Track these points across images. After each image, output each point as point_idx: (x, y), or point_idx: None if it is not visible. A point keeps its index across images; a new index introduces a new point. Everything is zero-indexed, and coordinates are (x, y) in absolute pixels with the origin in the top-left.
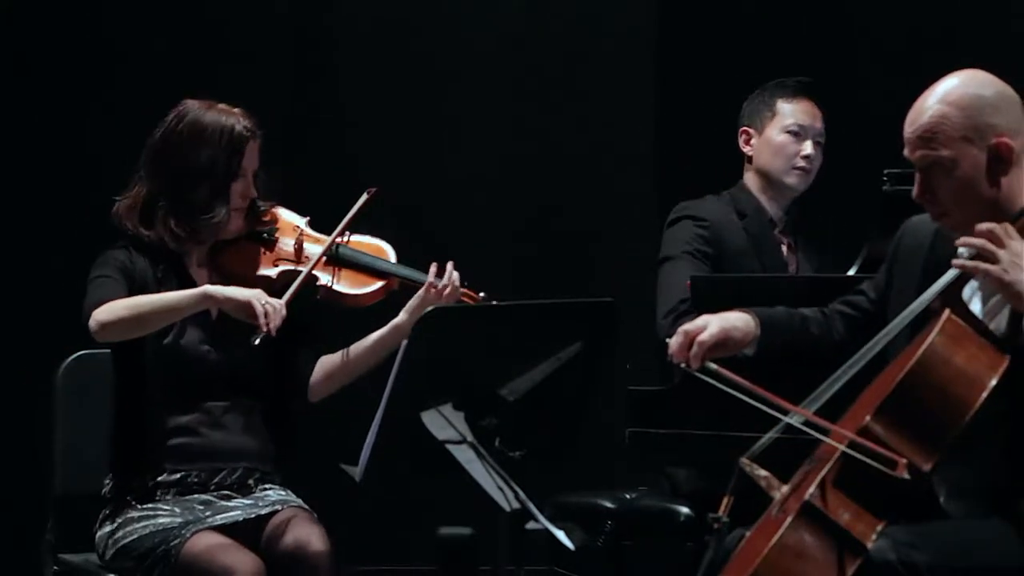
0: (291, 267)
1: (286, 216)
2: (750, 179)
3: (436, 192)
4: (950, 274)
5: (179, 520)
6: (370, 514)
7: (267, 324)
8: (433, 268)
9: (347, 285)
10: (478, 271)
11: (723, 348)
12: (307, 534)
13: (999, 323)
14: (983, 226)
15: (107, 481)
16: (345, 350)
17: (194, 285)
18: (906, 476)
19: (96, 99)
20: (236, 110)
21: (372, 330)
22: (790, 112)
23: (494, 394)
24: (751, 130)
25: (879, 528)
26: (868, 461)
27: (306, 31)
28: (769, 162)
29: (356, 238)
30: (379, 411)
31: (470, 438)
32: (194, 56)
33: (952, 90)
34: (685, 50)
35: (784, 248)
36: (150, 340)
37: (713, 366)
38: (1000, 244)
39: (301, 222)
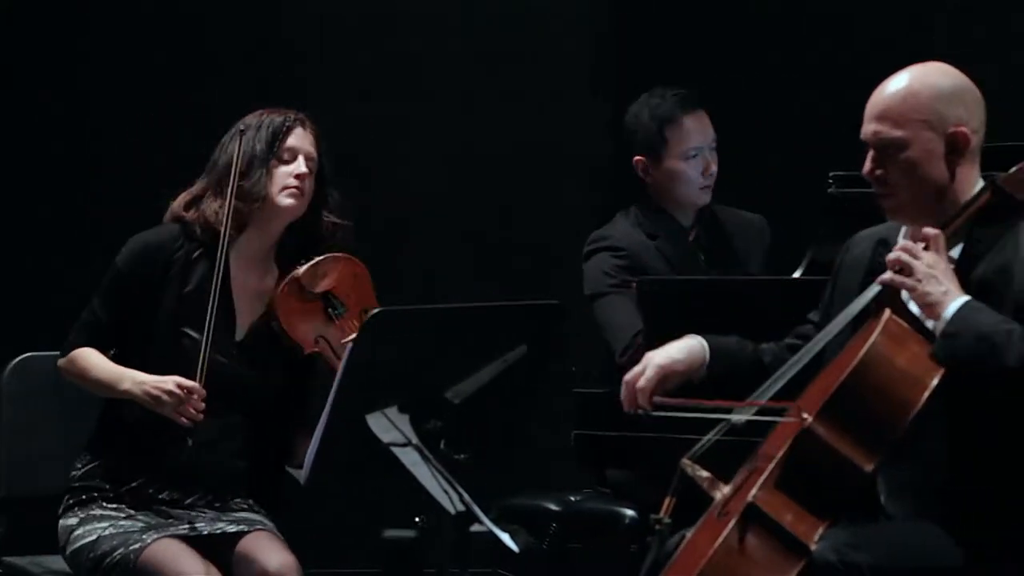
0: (326, 352)
1: (357, 303)
2: (655, 197)
3: (387, 197)
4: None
5: (140, 524)
6: (315, 517)
7: (190, 419)
8: None
9: None
10: (428, 276)
11: (666, 383)
12: (284, 563)
13: (939, 325)
14: (901, 243)
15: (79, 465)
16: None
17: (227, 272)
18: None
19: (60, 99)
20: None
21: None
22: (684, 135)
23: (439, 396)
24: (646, 160)
25: (821, 529)
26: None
27: (261, 41)
28: (674, 189)
29: None
30: (324, 414)
31: (415, 440)
32: (173, 65)
33: (920, 75)
34: (639, 57)
35: (702, 260)
36: (152, 352)
37: (661, 400)
38: (914, 256)
39: (370, 311)
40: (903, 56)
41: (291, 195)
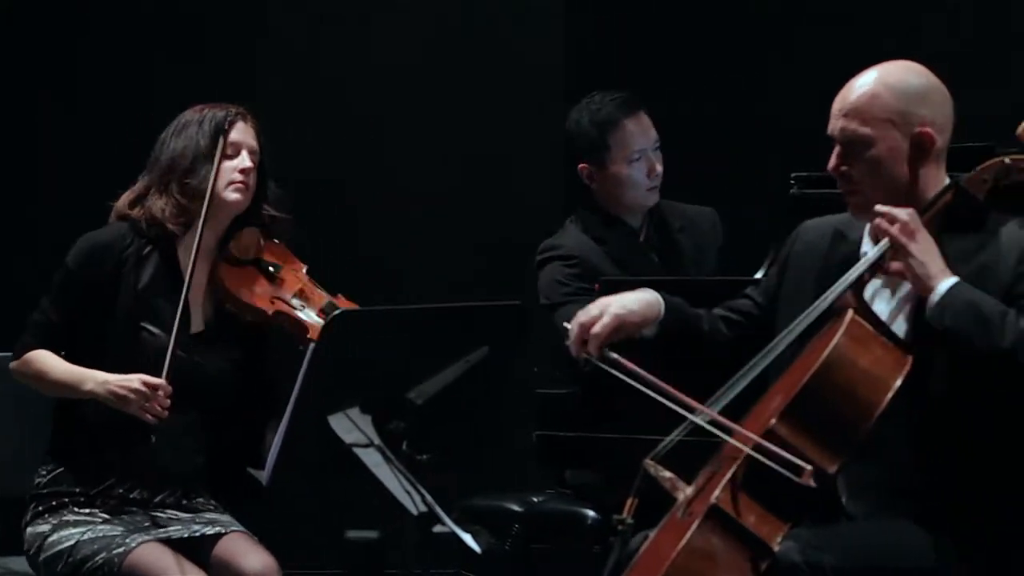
0: (287, 310)
1: (290, 258)
2: (602, 203)
3: (357, 199)
4: (856, 270)
5: (120, 529)
6: (277, 517)
7: (156, 416)
8: None
9: None
10: (389, 276)
11: (620, 333)
12: (265, 564)
13: (900, 324)
14: (906, 211)
15: (43, 472)
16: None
17: (177, 275)
18: (812, 484)
19: (4, 98)
20: (225, 104)
21: None
22: (626, 139)
23: (402, 397)
24: (590, 167)
25: (784, 530)
26: (773, 466)
27: (224, 42)
28: (622, 194)
29: (344, 299)
30: (286, 415)
31: (377, 441)
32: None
33: (888, 73)
34: (596, 57)
35: (655, 260)
36: (109, 350)
37: (613, 355)
38: (912, 234)
39: (302, 269)
40: (868, 55)
41: (237, 190)
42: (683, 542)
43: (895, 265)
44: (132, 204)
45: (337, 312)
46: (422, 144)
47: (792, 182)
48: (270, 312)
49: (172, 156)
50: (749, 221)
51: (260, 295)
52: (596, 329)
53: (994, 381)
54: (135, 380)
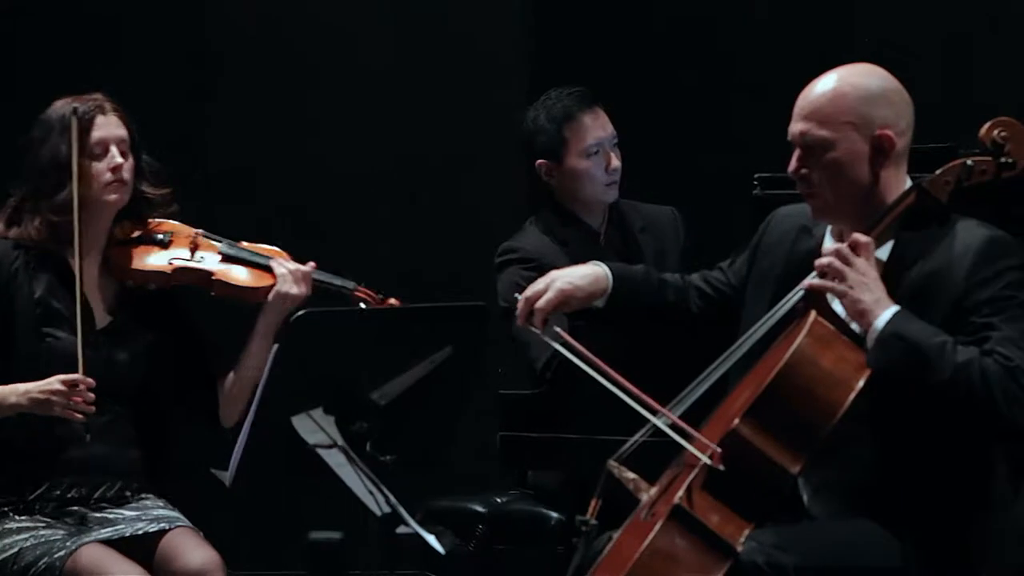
0: (186, 264)
1: (180, 227)
2: (561, 201)
3: (310, 193)
4: (808, 281)
5: (62, 532)
6: (240, 518)
7: (83, 412)
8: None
9: (242, 279)
10: (354, 278)
11: (565, 307)
12: (207, 559)
13: (870, 335)
14: (833, 247)
15: None
16: (235, 368)
17: (71, 279)
18: (721, 467)
19: None
20: (85, 96)
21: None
22: (583, 132)
23: (365, 398)
24: (548, 163)
25: (747, 530)
26: (684, 444)
27: (183, 33)
28: (579, 188)
29: (250, 244)
30: (250, 415)
31: (341, 442)
32: (77, 59)
33: (848, 76)
34: (560, 54)
35: (615, 259)
36: (18, 352)
37: (557, 330)
38: (847, 263)
39: (195, 231)
40: (830, 57)
41: (114, 190)
42: (646, 543)
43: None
44: (8, 224)
45: (300, 313)
46: (384, 144)
47: (755, 183)
48: (170, 272)
49: (38, 170)
50: (712, 222)
51: (155, 261)
52: (540, 303)
53: None
54: (54, 382)
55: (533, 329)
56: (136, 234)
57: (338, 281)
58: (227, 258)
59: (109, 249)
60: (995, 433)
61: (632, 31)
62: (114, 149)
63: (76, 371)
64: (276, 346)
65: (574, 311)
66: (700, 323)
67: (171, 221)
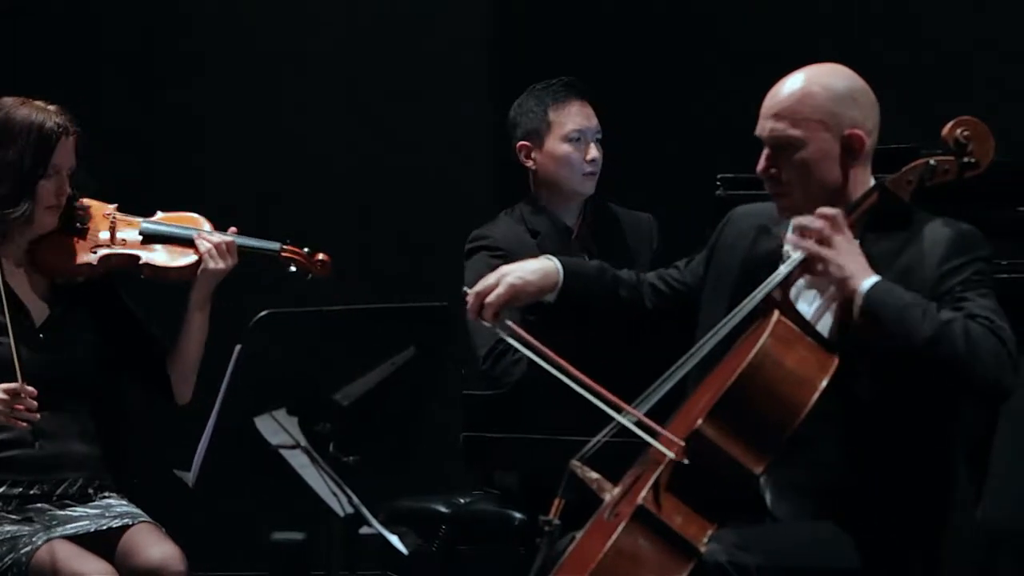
0: (110, 251)
1: (95, 205)
2: (539, 191)
3: (274, 193)
4: (781, 272)
5: (27, 529)
6: (202, 519)
7: (27, 420)
8: (207, 226)
9: (169, 259)
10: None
11: (516, 301)
12: (167, 554)
13: (826, 324)
14: (825, 210)
15: None
16: (176, 344)
17: (6, 284)
18: (685, 461)
19: None
20: (51, 107)
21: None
22: (566, 119)
23: (328, 398)
24: (529, 144)
25: (711, 531)
26: (648, 439)
27: (152, 28)
28: (556, 173)
29: (168, 214)
30: (212, 416)
31: (304, 443)
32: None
33: (817, 75)
34: (522, 54)
35: (585, 257)
36: None
37: (509, 323)
38: (838, 230)
39: (110, 208)
40: (794, 58)
41: (52, 213)
42: (609, 543)
43: (817, 269)
44: None
45: (263, 313)
46: (349, 143)
47: (718, 184)
48: (96, 263)
49: None
50: (674, 223)
51: (79, 253)
52: (490, 298)
53: (918, 383)
54: None
55: (485, 323)
56: (52, 227)
57: (263, 244)
58: (149, 237)
59: (34, 246)
60: (973, 395)
61: (597, 27)
62: (64, 175)
63: (17, 376)
64: (239, 346)
65: (526, 305)
66: (653, 320)
67: (83, 200)
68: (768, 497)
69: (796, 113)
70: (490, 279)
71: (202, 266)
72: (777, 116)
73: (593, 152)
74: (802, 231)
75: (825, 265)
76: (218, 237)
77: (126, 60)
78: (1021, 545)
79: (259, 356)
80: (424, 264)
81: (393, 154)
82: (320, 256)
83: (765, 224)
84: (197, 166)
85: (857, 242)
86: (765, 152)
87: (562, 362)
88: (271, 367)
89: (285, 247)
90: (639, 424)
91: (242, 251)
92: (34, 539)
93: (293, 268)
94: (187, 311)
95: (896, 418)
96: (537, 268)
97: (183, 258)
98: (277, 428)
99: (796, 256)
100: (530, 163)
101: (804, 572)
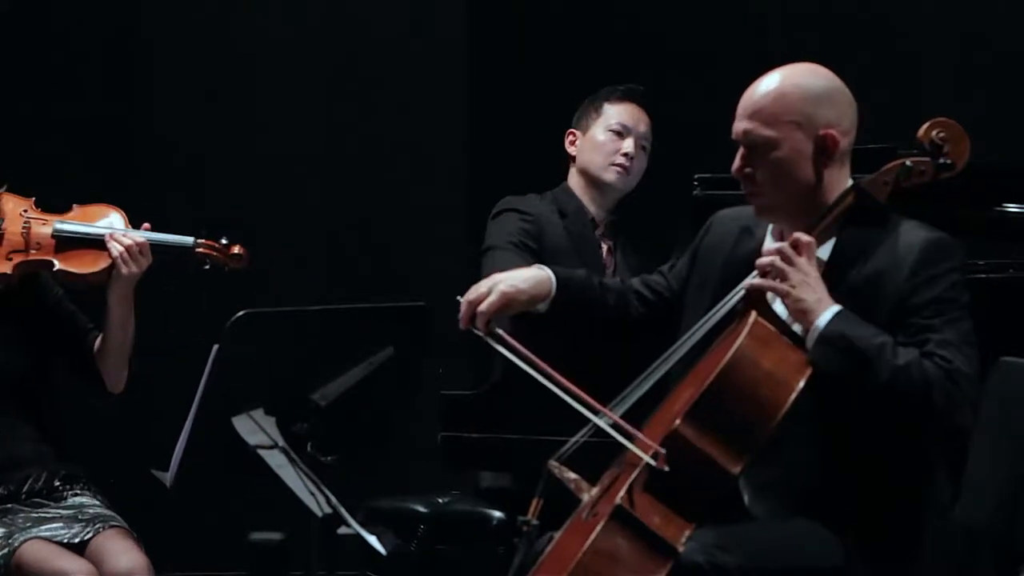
0: (25, 258)
1: (10, 203)
2: (573, 180)
3: (245, 196)
4: (731, 301)
5: (2, 531)
6: (180, 519)
7: None
8: (120, 221)
9: (82, 265)
10: (290, 276)
11: (507, 310)
12: (133, 564)
13: (812, 334)
14: (775, 246)
15: None
16: (102, 336)
17: None
18: (666, 468)
19: None
20: None
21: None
22: (615, 113)
23: (306, 398)
24: (577, 131)
25: (689, 531)
26: (628, 445)
27: (119, 30)
28: (589, 159)
29: (83, 208)
30: (190, 416)
31: (282, 443)
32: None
33: (791, 75)
34: (496, 60)
35: (604, 250)
36: None
37: (499, 332)
38: (789, 262)
39: (26, 204)
40: (774, 57)
41: None
42: (588, 543)
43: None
44: None
45: (241, 313)
46: (322, 144)
47: (695, 183)
48: (11, 271)
49: None
50: (651, 222)
51: None
52: (483, 307)
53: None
54: None
55: (476, 332)
56: None
57: (176, 240)
58: (63, 240)
59: None
60: (933, 434)
61: (572, 27)
62: None
63: None
64: (215, 346)
65: (516, 314)
66: (640, 327)
67: (3, 195)
68: (746, 497)
69: (770, 113)
70: (482, 287)
71: (115, 271)
72: (751, 117)
73: (629, 147)
74: (761, 270)
75: (783, 297)
76: (129, 239)
77: (95, 54)
78: (999, 545)
79: (236, 356)
80: (399, 264)
81: (368, 155)
82: (236, 249)
83: (747, 225)
84: (171, 162)
85: (815, 269)
86: (740, 152)
87: (551, 371)
88: (249, 366)
89: (199, 242)
90: (616, 428)
91: (156, 248)
92: (11, 540)
93: (207, 266)
94: (107, 308)
95: (872, 418)
96: (529, 276)
97: (98, 262)
98: (255, 428)
99: (744, 284)
100: (572, 149)
101: (783, 572)
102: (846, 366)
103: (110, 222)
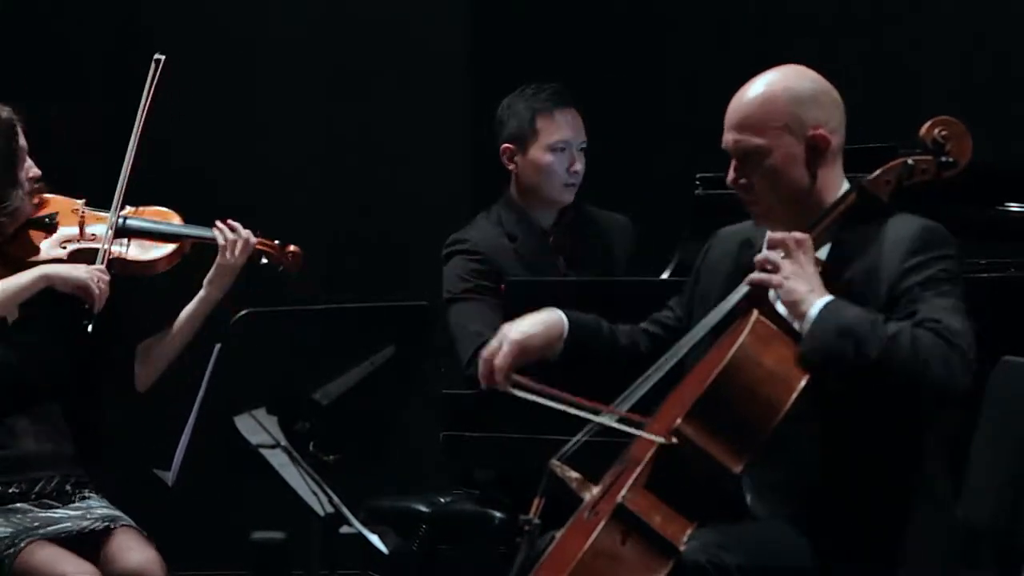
0: (79, 246)
1: (63, 201)
2: (517, 194)
3: (246, 196)
4: (731, 301)
5: (9, 531)
6: (182, 518)
7: (95, 305)
8: (219, 225)
9: (138, 253)
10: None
11: (524, 357)
12: (146, 560)
13: (804, 324)
14: (776, 236)
15: None
16: (163, 332)
17: None
18: (674, 441)
19: None
20: None
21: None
22: (552, 129)
23: (308, 397)
24: (513, 147)
25: (690, 530)
26: (638, 432)
27: (120, 30)
28: (538, 183)
29: (140, 208)
30: (192, 415)
31: (283, 442)
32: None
33: (776, 80)
34: (498, 59)
35: (561, 263)
36: None
37: (519, 379)
38: (785, 254)
39: (79, 203)
40: (771, 55)
41: (31, 193)
42: (589, 542)
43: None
44: None
45: (242, 312)
46: (324, 142)
47: (697, 183)
48: (65, 258)
49: None
50: (653, 222)
51: (48, 249)
52: (498, 361)
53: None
54: None
55: (499, 388)
56: (21, 220)
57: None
58: (119, 231)
59: (3, 245)
60: (933, 401)
61: (575, 27)
62: (30, 160)
63: None
64: (218, 345)
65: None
66: (651, 362)
67: (50, 196)
68: (748, 496)
69: (757, 120)
70: (493, 343)
71: (215, 265)
72: (739, 127)
73: (576, 164)
74: (758, 263)
75: (776, 290)
76: (238, 231)
77: (94, 58)
78: (1001, 544)
79: (239, 355)
80: (402, 263)
81: (369, 154)
82: (291, 248)
83: (747, 238)
84: (171, 163)
85: (812, 264)
86: (733, 163)
87: (577, 399)
88: (251, 365)
89: (257, 239)
90: (630, 423)
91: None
92: (17, 541)
93: (265, 260)
94: (195, 304)
95: (873, 417)
96: (538, 320)
97: (154, 252)
98: (257, 427)
99: (743, 287)
100: (512, 166)
101: (784, 571)
102: (838, 348)
103: (168, 219)
